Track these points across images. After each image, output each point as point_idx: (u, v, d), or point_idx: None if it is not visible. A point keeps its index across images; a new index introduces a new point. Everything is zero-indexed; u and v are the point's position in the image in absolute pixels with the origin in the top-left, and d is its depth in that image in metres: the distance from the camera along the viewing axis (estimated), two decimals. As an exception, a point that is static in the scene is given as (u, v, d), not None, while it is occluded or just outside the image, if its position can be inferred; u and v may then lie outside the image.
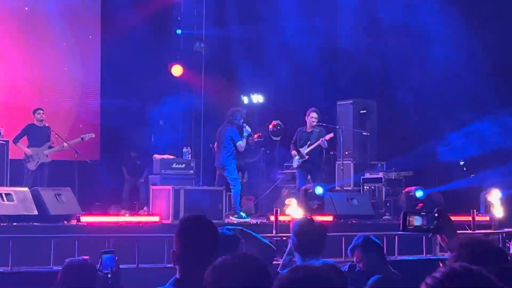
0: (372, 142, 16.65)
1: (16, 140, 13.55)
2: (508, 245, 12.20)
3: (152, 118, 17.59)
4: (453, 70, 15.92)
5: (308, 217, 5.85)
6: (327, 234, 5.34)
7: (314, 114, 14.38)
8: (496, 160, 15.22)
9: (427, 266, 10.19)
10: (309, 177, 14.50)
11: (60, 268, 4.60)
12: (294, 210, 11.50)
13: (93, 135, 14.34)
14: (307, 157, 14.22)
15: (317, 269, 2.53)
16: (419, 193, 14.19)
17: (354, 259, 5.65)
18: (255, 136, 16.37)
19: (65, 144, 13.63)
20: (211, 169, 14.60)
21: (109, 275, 4.40)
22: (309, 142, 14.23)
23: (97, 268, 4.65)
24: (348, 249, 5.71)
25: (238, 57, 17.79)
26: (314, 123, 14.34)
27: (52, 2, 16.21)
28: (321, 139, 14.15)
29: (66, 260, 4.49)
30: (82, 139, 13.93)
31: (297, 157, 14.33)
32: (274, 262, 5.96)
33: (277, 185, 15.92)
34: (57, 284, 4.48)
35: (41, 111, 13.80)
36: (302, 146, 14.32)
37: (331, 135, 14.49)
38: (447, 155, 16.28)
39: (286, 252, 5.72)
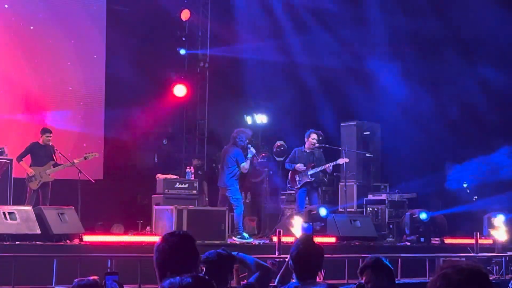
0: (376, 164, 16.66)
1: (19, 159, 13.54)
2: (511, 268, 12.19)
3: (156, 138, 17.62)
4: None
5: (307, 237, 5.84)
6: (325, 255, 5.33)
7: (315, 136, 14.37)
8: (499, 189, 15.34)
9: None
10: (307, 198, 14.46)
11: (65, 287, 4.60)
12: (298, 230, 11.50)
13: (97, 154, 14.33)
14: (312, 178, 14.19)
15: None
16: (423, 216, 14.16)
17: (363, 280, 5.63)
18: (259, 156, 16.38)
19: (68, 163, 13.61)
20: (214, 189, 14.59)
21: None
22: (313, 164, 14.21)
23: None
24: (359, 268, 5.69)
25: (242, 77, 17.84)
26: (316, 145, 14.34)
27: (57, 22, 16.27)
28: (327, 165, 14.15)
29: (75, 280, 4.48)
30: (86, 158, 13.90)
31: (299, 177, 14.22)
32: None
33: (280, 206, 15.90)
34: None
35: (50, 134, 13.69)
36: (304, 167, 14.28)
37: (346, 160, 14.51)
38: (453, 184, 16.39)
39: (280, 274, 5.70)
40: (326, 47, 17.43)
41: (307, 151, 14.35)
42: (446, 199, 16.17)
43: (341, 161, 14.49)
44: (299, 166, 14.18)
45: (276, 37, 17.62)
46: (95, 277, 4.56)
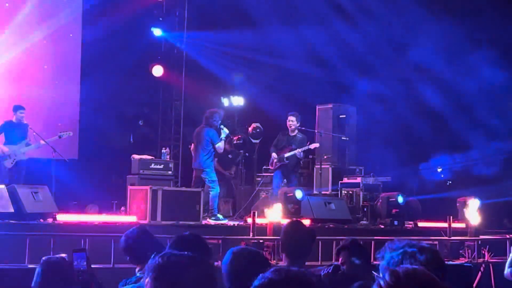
0: (351, 147, 16.70)
1: (-8, 138, 13.47)
2: (483, 252, 12.30)
3: (132, 118, 17.56)
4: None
5: (296, 220, 5.89)
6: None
7: (291, 118, 14.44)
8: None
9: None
10: (284, 181, 14.54)
11: (37, 266, 4.58)
12: (274, 214, 11.54)
13: (71, 133, 14.27)
14: (287, 161, 14.24)
15: (299, 273, 2.55)
16: (400, 199, 14.26)
17: (340, 261, 5.67)
18: (235, 138, 16.37)
19: (42, 141, 13.54)
20: (189, 170, 14.57)
21: (81, 273, 4.37)
22: (291, 147, 14.25)
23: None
24: (335, 250, 5.74)
25: (219, 58, 17.79)
26: (292, 127, 14.38)
27: (33, 0, 16.11)
28: (297, 150, 14.18)
29: (43, 258, 4.46)
30: (60, 137, 13.85)
31: (276, 160, 14.37)
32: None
33: (256, 187, 15.92)
34: (34, 281, 4.45)
35: (23, 111, 13.64)
36: (282, 149, 14.37)
37: (317, 145, 14.53)
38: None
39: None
40: (303, 31, 17.40)
41: (290, 134, 14.44)
42: (420, 183, 16.27)
43: (312, 146, 14.51)
44: (273, 155, 14.31)
45: (254, 20, 17.55)
46: (63, 255, 4.54)
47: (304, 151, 14.35)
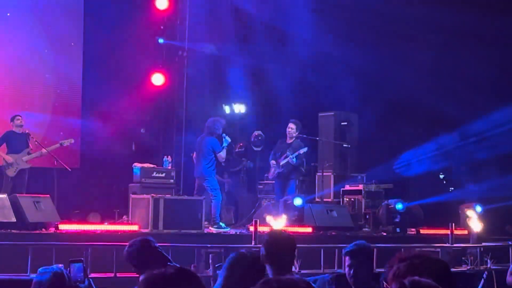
0: (353, 154, 16.69)
1: (-5, 147, 13.50)
2: (486, 259, 12.27)
3: (134, 126, 17.54)
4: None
5: (278, 229, 5.89)
6: (297, 245, 5.33)
7: (291, 125, 14.50)
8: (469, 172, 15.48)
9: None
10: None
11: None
12: (274, 222, 11.53)
13: (72, 140, 14.28)
14: (281, 169, 14.26)
15: (291, 280, 2.54)
16: (399, 206, 14.24)
17: (346, 263, 5.72)
18: (236, 146, 16.37)
19: (43, 150, 13.57)
20: (191, 179, 14.58)
21: (78, 283, 4.37)
22: (286, 154, 14.28)
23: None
24: (343, 252, 5.78)
25: (220, 66, 17.79)
26: (293, 135, 14.42)
27: (34, 9, 16.14)
28: (289, 156, 14.19)
29: (39, 270, 4.47)
30: (61, 144, 13.89)
31: (274, 168, 14.41)
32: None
33: (257, 195, 15.93)
34: None
35: (19, 117, 13.74)
36: (279, 157, 14.38)
37: (304, 149, 14.51)
38: (417, 168, 16.49)
39: None
40: (304, 37, 17.41)
41: (288, 141, 14.46)
42: (422, 189, 16.24)
43: (301, 151, 14.50)
44: (271, 163, 14.35)
45: (254, 27, 17.57)
46: (60, 265, 4.54)
47: (297, 157, 14.31)
